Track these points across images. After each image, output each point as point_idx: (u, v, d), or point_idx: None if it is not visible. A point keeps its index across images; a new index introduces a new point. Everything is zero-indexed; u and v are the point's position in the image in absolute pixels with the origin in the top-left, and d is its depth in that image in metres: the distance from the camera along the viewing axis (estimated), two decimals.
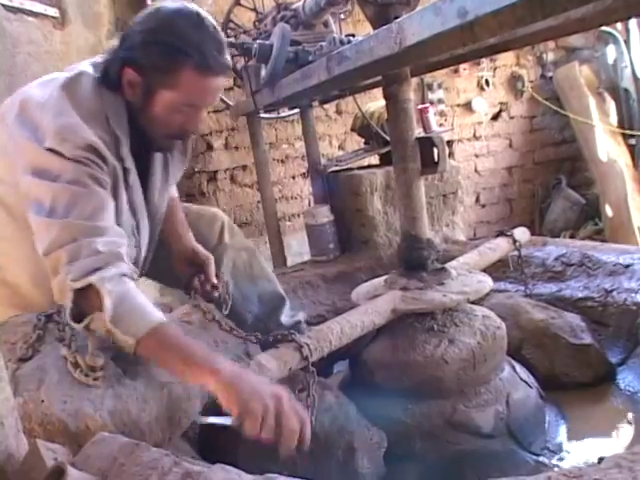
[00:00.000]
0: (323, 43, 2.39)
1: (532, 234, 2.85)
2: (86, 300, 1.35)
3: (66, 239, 1.37)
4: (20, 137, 1.48)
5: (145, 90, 1.56)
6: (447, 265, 2.21)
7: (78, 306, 1.36)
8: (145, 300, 1.40)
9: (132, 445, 0.81)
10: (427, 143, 2.09)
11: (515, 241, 2.67)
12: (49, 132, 1.43)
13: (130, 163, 1.61)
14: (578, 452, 1.92)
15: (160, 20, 1.53)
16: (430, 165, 2.10)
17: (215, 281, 1.87)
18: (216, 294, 1.87)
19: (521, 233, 2.73)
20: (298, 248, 4.35)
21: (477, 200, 5.49)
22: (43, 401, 1.18)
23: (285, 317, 2.23)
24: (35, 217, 1.42)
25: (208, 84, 1.57)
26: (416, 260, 2.12)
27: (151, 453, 0.78)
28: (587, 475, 1.05)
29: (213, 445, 1.68)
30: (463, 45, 1.36)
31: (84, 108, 1.50)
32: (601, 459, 1.06)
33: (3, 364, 0.89)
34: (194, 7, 1.56)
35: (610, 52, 5.24)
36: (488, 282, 2.12)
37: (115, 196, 1.55)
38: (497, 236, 2.74)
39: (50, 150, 1.42)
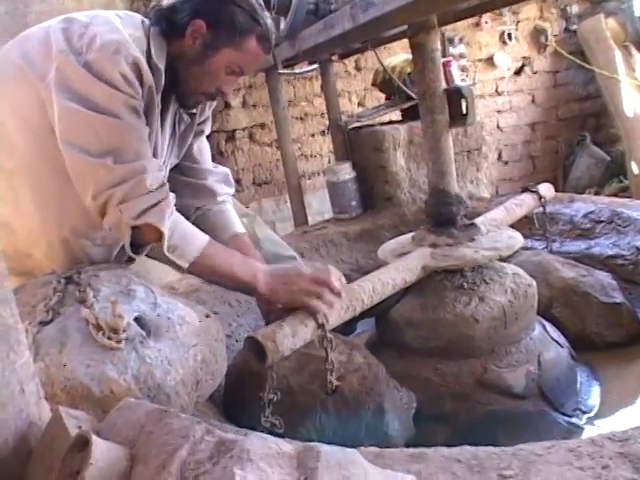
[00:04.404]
0: None
1: (556, 192, 2.77)
2: (141, 234, 1.54)
3: (114, 181, 1.47)
4: (58, 52, 1.48)
5: (207, 44, 1.62)
6: (475, 221, 2.15)
7: (133, 239, 1.55)
8: (189, 226, 1.61)
9: (160, 412, 0.76)
10: (455, 95, 2.03)
11: (540, 197, 2.59)
12: (95, 45, 1.46)
13: (159, 100, 1.64)
14: (611, 413, 1.87)
15: None
16: (458, 118, 2.04)
17: None
18: None
19: (546, 189, 2.65)
20: (319, 207, 4.32)
21: (499, 157, 5.42)
22: (65, 365, 1.15)
23: None
24: (75, 155, 1.48)
25: (260, 55, 1.71)
26: (445, 216, 2.05)
27: (181, 420, 0.73)
28: (633, 438, 1.01)
29: (238, 408, 1.66)
30: None
31: (131, 33, 1.55)
32: None
33: (22, 327, 0.84)
34: None
35: (637, 4, 5.07)
36: (519, 238, 2.06)
37: (147, 122, 1.60)
38: (522, 192, 2.66)
39: (88, 67, 1.44)
